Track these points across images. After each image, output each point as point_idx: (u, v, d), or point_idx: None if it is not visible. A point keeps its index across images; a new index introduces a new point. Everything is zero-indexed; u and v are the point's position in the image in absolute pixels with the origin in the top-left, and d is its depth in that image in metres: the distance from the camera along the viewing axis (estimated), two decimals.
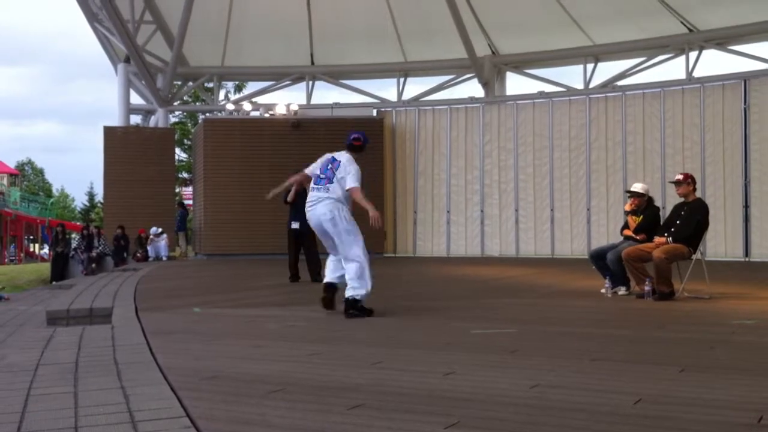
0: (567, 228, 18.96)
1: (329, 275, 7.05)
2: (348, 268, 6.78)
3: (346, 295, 6.74)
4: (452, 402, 3.33)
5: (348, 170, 6.87)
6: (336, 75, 22.17)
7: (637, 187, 8.94)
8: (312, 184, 7.06)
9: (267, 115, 20.30)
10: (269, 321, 6.62)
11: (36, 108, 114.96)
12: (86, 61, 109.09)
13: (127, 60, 20.59)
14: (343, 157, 6.99)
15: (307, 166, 7.28)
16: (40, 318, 8.08)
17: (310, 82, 22.01)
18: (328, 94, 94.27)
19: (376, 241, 17.22)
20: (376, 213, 6.80)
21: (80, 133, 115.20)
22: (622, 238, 8.89)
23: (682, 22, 18.23)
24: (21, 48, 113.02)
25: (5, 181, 47.32)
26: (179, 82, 22.64)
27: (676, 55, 18.76)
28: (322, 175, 6.96)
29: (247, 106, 20.92)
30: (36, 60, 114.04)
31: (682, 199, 8.33)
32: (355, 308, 6.67)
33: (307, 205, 7.05)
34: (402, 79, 21.54)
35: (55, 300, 9.55)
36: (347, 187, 6.84)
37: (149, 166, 20.53)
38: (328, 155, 7.11)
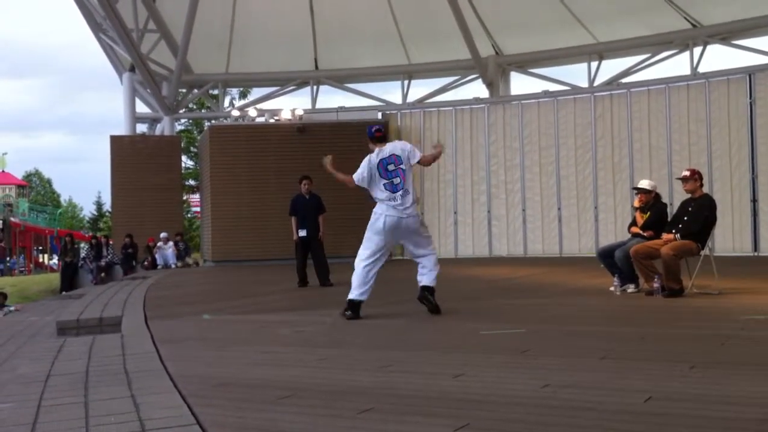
0: (575, 226, 18.91)
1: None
2: (432, 259, 7.25)
3: (432, 284, 7.13)
4: (462, 404, 3.32)
5: (410, 153, 7.01)
6: (340, 79, 22.18)
7: (644, 183, 8.93)
8: (383, 183, 6.93)
9: (272, 120, 20.32)
10: (279, 326, 6.63)
11: (44, 120, 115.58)
12: (93, 72, 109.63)
13: (132, 69, 20.66)
14: (394, 147, 7.04)
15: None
16: (51, 328, 8.11)
17: (315, 87, 22.02)
18: (332, 98, 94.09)
19: None
20: (439, 147, 7.30)
21: (88, 143, 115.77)
22: (630, 236, 8.87)
23: (685, 18, 18.19)
24: (28, 61, 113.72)
25: (13, 192, 47.52)
26: (184, 90, 22.67)
27: (681, 51, 18.70)
28: (395, 178, 6.93)
29: (252, 112, 20.95)
30: (43, 72, 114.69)
31: (689, 196, 8.31)
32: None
33: (394, 204, 6.94)
34: (406, 82, 21.53)
35: (65, 310, 9.58)
36: (416, 160, 7.03)
37: (156, 174, 20.58)
38: (375, 157, 6.98)
